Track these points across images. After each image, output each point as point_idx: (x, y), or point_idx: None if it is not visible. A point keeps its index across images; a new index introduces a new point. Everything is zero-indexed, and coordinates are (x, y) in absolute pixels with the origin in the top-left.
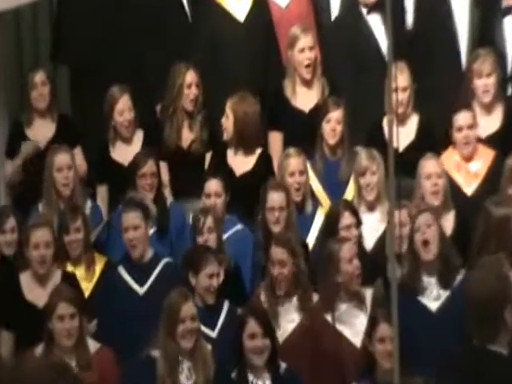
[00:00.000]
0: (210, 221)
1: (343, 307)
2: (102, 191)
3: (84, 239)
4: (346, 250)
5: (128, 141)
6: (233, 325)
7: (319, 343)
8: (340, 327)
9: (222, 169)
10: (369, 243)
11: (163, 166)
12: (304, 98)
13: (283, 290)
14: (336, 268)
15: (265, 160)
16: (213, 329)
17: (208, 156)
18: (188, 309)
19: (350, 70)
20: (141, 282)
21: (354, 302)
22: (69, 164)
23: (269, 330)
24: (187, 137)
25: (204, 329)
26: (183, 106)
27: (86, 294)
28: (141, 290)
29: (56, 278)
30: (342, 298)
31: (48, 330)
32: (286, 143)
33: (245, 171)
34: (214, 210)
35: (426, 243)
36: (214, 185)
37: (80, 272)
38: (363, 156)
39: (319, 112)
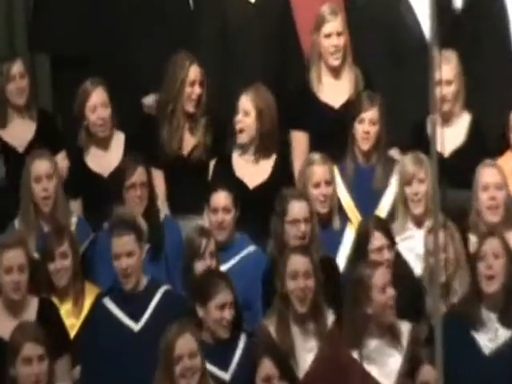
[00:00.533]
0: (212, 244)
1: (373, 343)
2: (76, 207)
3: (72, 266)
4: (379, 277)
5: (104, 145)
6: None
7: None
8: (368, 367)
9: (230, 179)
10: (416, 265)
11: (158, 174)
12: (333, 91)
13: (306, 307)
14: (366, 297)
15: (283, 167)
16: (225, 369)
17: (212, 164)
18: (184, 344)
19: (386, 60)
20: (135, 316)
21: (386, 337)
22: (49, 172)
23: (286, 370)
24: (188, 142)
25: (214, 369)
26: (184, 107)
27: (73, 332)
28: (136, 327)
29: (32, 307)
30: (373, 332)
31: (10, 378)
32: (312, 146)
33: (260, 182)
34: (220, 227)
35: (490, 277)
36: (222, 198)
37: (67, 306)
38: (409, 161)
39: (351, 108)
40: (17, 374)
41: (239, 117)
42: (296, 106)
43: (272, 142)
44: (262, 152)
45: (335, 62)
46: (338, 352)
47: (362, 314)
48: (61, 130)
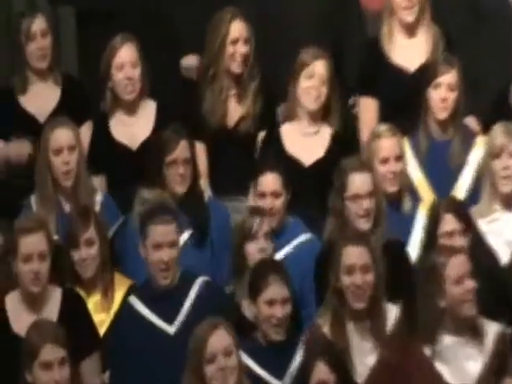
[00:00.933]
0: (266, 224)
1: (448, 340)
2: (98, 185)
3: (100, 254)
4: (454, 266)
5: (132, 112)
6: None
7: None
8: (440, 367)
9: (281, 157)
10: (504, 253)
11: (200, 148)
12: (407, 52)
13: (364, 303)
14: (439, 288)
15: (345, 141)
16: (280, 377)
17: (260, 138)
18: (218, 341)
19: (466, 19)
20: (169, 317)
21: (465, 336)
22: (71, 144)
23: (343, 375)
24: (234, 111)
25: (266, 376)
26: (227, 69)
27: (102, 329)
28: (170, 329)
29: (54, 300)
30: (448, 327)
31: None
32: (380, 116)
33: (317, 158)
34: (269, 213)
35: None
36: (270, 181)
37: (95, 299)
38: (498, 131)
39: (426, 72)
40: (34, 379)
41: (306, 82)
42: (366, 69)
43: (331, 110)
44: (319, 123)
45: (409, 18)
46: (403, 351)
47: (435, 306)
48: (87, 98)
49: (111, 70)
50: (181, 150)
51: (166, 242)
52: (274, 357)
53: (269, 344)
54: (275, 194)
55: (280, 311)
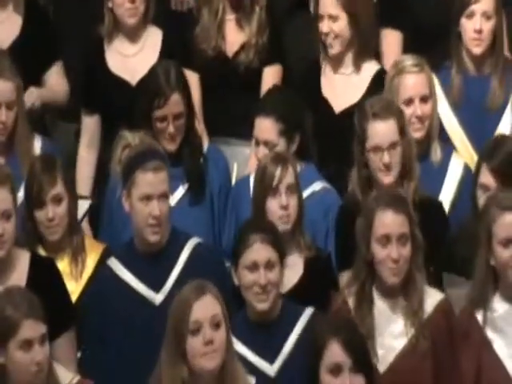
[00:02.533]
0: (290, 175)
1: (501, 308)
2: (90, 126)
3: (68, 213)
4: (504, 225)
5: (134, 39)
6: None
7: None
8: (492, 336)
9: (287, 98)
10: None
11: (193, 80)
12: None
13: (399, 276)
14: (487, 248)
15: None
16: (270, 360)
17: (269, 73)
18: (204, 308)
19: None
20: (155, 283)
21: (509, 302)
22: (8, 100)
23: (362, 359)
24: (234, 37)
25: (253, 357)
26: None
27: (72, 299)
28: (157, 298)
29: (22, 267)
30: (500, 292)
31: None
32: (406, 48)
33: (350, 104)
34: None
35: None
36: (263, 127)
37: (62, 266)
38: None
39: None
40: (9, 360)
41: (324, 25)
42: None
43: (371, 48)
44: (358, 61)
45: None
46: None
47: (485, 268)
48: (55, 32)
49: None
50: (171, 105)
51: (157, 192)
52: (264, 335)
53: (257, 319)
54: (268, 144)
55: (263, 277)
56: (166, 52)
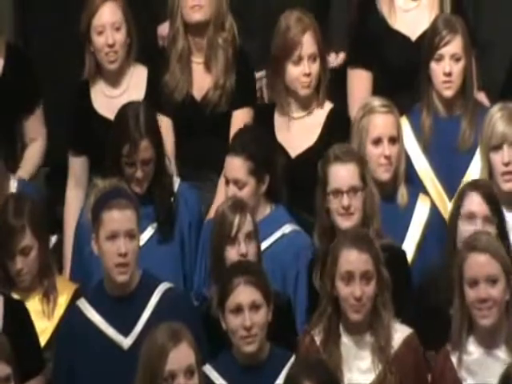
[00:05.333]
0: (248, 222)
1: (476, 352)
2: (78, 167)
3: (39, 258)
4: (472, 264)
5: (117, 81)
6: None
7: None
8: (466, 377)
9: (257, 138)
10: None
11: (167, 125)
12: (409, 17)
13: (362, 314)
14: (459, 290)
15: (340, 124)
16: None
17: (238, 116)
18: (179, 357)
19: None
20: (124, 327)
21: (492, 348)
22: None
23: None
24: (202, 80)
25: None
26: (185, 19)
27: (43, 339)
28: (125, 342)
29: None
30: (475, 336)
31: None
32: (376, 90)
33: (307, 147)
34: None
35: None
36: (233, 166)
37: (33, 306)
38: (498, 116)
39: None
40: None
41: (306, 66)
42: (361, 35)
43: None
44: (312, 105)
45: None
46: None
47: (459, 308)
48: (36, 78)
49: (91, 32)
50: (140, 151)
51: (123, 230)
52: (251, 377)
53: (244, 362)
54: (238, 183)
55: (248, 319)
56: (152, 90)
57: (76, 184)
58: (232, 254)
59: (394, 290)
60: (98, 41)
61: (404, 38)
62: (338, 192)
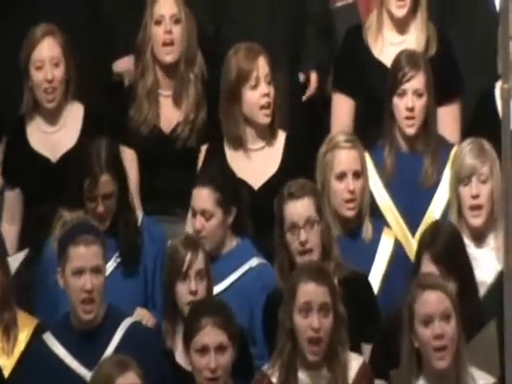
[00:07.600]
0: (200, 260)
1: None
2: (12, 200)
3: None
4: (423, 302)
5: (54, 118)
6: None
7: None
8: None
9: (223, 171)
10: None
11: (130, 157)
12: (395, 52)
13: (320, 353)
14: (410, 329)
15: (299, 153)
16: None
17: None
18: None
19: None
20: (89, 361)
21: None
22: None
23: None
24: (170, 113)
25: None
26: (157, 56)
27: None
28: (89, 376)
29: None
30: (425, 377)
31: None
32: (360, 119)
33: (272, 175)
34: (199, 236)
35: None
36: (200, 198)
37: None
38: (467, 149)
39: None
40: None
41: (262, 89)
42: (345, 61)
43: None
44: (269, 134)
45: (399, 13)
46: None
47: (408, 347)
48: None
49: (29, 66)
50: (101, 186)
51: (89, 266)
52: None
53: None
54: (205, 214)
55: (214, 361)
56: (88, 128)
57: (11, 216)
58: (182, 289)
59: (363, 314)
60: (37, 76)
61: (386, 70)
62: (294, 227)
